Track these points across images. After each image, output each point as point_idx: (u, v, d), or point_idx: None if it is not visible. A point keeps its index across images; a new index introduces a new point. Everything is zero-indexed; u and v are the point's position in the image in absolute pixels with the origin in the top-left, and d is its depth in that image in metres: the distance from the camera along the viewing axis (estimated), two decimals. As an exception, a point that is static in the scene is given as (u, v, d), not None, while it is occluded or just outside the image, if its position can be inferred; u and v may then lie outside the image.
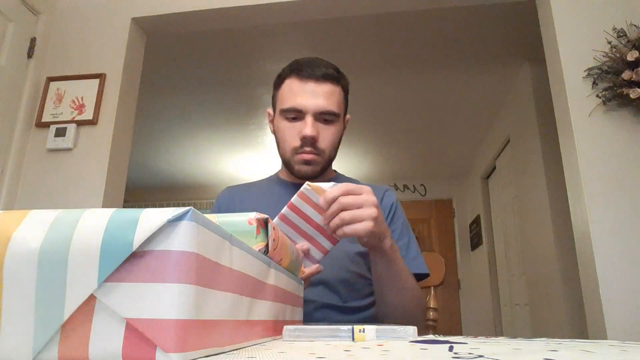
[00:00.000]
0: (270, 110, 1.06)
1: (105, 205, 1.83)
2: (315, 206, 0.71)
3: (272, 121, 1.04)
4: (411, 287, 0.86)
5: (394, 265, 0.81)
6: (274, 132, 1.02)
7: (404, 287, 0.85)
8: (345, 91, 0.99)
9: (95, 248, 0.25)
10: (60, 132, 1.90)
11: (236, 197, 1.06)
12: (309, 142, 0.92)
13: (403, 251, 0.95)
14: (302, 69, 0.93)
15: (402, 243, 0.97)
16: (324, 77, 0.93)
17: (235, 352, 0.33)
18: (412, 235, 1.02)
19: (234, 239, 0.34)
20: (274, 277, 0.45)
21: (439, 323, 1.17)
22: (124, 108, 2.00)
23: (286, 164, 0.98)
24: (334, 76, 0.94)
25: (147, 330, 0.25)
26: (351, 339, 0.43)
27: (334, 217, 0.70)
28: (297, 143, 0.93)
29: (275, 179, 1.09)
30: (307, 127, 0.91)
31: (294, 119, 0.93)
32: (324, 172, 0.99)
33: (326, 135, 0.94)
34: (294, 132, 0.94)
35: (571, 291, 2.37)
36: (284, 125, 0.95)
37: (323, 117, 0.93)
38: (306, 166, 0.95)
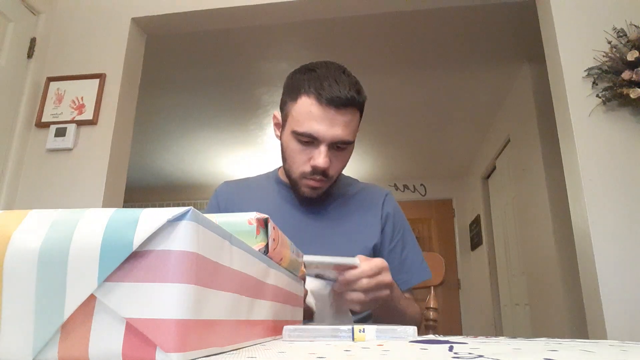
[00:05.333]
0: (277, 114, 0.98)
1: (105, 205, 1.83)
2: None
3: (278, 127, 0.99)
4: (410, 313, 0.89)
5: (396, 306, 0.84)
6: (281, 143, 0.96)
7: (405, 320, 0.87)
8: (362, 110, 0.93)
9: (95, 248, 0.25)
10: (60, 132, 1.90)
11: (235, 193, 1.04)
12: (320, 172, 0.90)
13: (410, 259, 0.98)
14: (322, 91, 0.85)
15: (408, 251, 0.99)
16: (345, 105, 0.86)
17: (235, 352, 0.33)
18: (415, 240, 1.03)
19: (234, 238, 0.34)
20: (274, 277, 0.45)
21: (439, 323, 1.17)
22: (124, 108, 2.00)
23: (291, 181, 0.95)
24: (355, 101, 0.88)
25: (147, 330, 0.25)
26: (351, 339, 0.43)
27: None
28: (307, 169, 0.90)
29: (275, 178, 1.06)
30: (321, 158, 0.87)
31: (307, 143, 0.89)
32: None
33: (337, 163, 0.92)
34: (305, 157, 0.90)
35: (571, 291, 2.37)
36: (295, 146, 0.90)
37: (337, 144, 0.89)
38: (312, 191, 0.93)
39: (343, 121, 0.87)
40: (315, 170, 0.89)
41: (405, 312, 0.87)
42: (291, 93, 0.91)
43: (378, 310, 0.84)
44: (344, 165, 0.95)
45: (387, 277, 0.74)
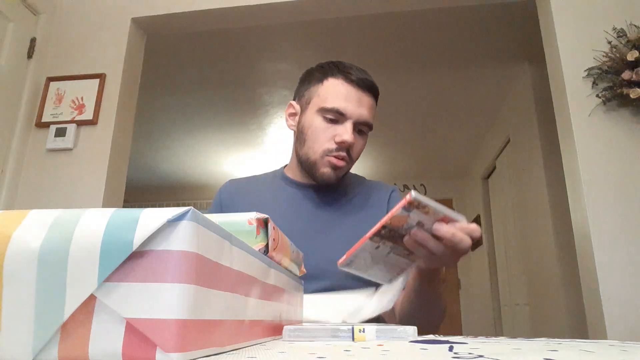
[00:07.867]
0: (295, 103, 1.00)
1: (105, 205, 1.83)
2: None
3: (294, 115, 0.99)
4: (443, 307, 0.87)
5: (440, 287, 0.81)
6: (300, 128, 0.96)
7: (439, 308, 0.84)
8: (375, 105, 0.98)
9: (95, 248, 0.25)
10: (60, 132, 1.90)
11: (239, 192, 1.03)
12: (346, 148, 0.91)
13: None
14: (351, 72, 0.91)
15: None
16: (370, 90, 0.92)
17: (235, 352, 0.33)
18: None
19: (234, 238, 0.34)
20: (274, 277, 0.45)
21: (439, 323, 1.17)
22: (124, 108, 2.00)
23: (309, 164, 0.94)
24: (376, 89, 0.94)
25: (147, 330, 0.25)
26: (351, 339, 0.44)
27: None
28: (332, 146, 0.91)
29: (281, 175, 1.05)
30: (348, 133, 0.89)
31: (332, 121, 0.91)
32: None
33: (358, 144, 0.94)
34: (329, 135, 0.91)
35: (571, 291, 2.37)
36: (320, 124, 0.91)
37: (359, 127, 0.92)
38: (333, 171, 0.92)
39: (368, 103, 0.92)
40: (341, 147, 0.90)
41: (441, 297, 0.83)
42: (315, 78, 0.95)
43: (425, 285, 0.77)
44: (360, 153, 0.96)
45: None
